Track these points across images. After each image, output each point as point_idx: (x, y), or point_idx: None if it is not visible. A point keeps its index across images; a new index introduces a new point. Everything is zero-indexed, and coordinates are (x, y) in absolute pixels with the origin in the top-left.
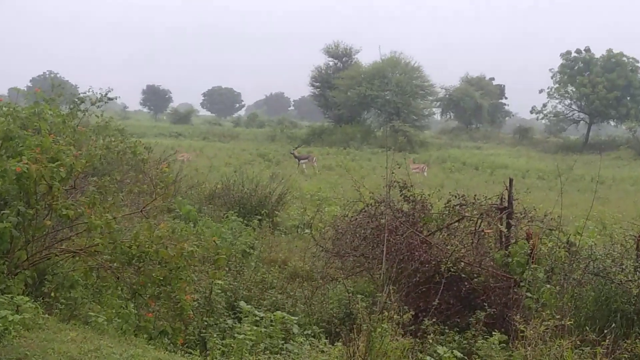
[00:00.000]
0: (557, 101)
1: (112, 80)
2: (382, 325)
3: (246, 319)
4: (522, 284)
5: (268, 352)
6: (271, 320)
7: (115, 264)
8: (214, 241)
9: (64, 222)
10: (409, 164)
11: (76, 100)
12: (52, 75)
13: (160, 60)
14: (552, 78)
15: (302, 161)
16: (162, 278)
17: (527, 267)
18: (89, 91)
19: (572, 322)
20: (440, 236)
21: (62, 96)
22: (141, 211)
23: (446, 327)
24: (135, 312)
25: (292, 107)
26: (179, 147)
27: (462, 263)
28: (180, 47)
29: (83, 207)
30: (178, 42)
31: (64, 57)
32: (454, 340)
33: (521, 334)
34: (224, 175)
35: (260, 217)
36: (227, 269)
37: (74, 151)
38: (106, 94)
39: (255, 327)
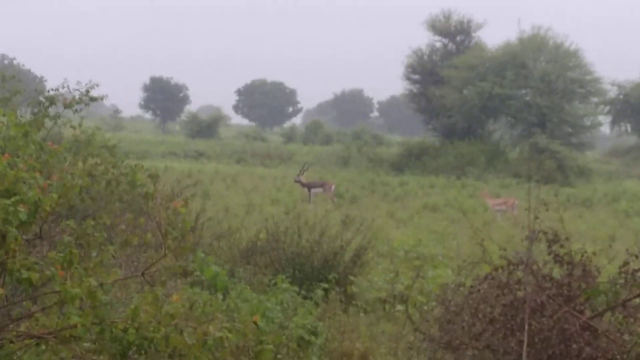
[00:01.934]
0: None
1: (97, 71)
2: None
3: None
4: None
5: None
6: None
7: (102, 357)
8: (255, 323)
9: (24, 290)
10: (484, 197)
11: (43, 100)
12: (6, 61)
13: (171, 44)
14: None
15: (313, 190)
16: None
17: None
18: (62, 87)
19: None
20: (613, 319)
21: (21, 94)
22: (142, 275)
23: None
24: None
25: (375, 113)
26: (199, 174)
27: None
28: (201, 27)
29: (53, 268)
30: (197, 21)
31: (23, 37)
32: None
33: None
34: (270, 219)
35: (326, 286)
36: None
37: (40, 180)
38: (88, 92)
39: None
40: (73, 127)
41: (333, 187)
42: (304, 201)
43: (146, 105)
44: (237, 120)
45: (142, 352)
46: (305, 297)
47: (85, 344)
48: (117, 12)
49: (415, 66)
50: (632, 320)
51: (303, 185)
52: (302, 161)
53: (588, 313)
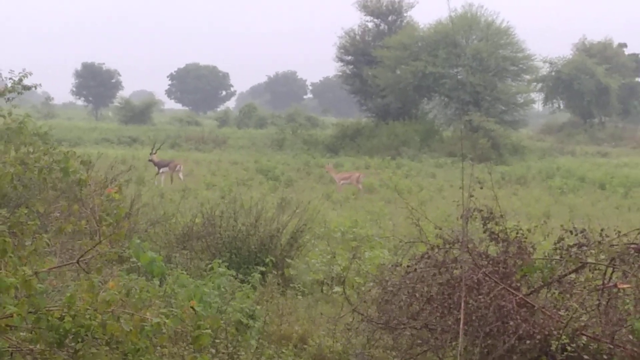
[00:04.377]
0: None
1: (27, 58)
2: None
3: None
4: None
5: None
6: None
7: (39, 346)
8: (192, 308)
9: None
10: (329, 171)
11: None
12: None
13: (102, 29)
14: None
15: (162, 169)
16: None
17: None
18: None
19: None
20: (549, 295)
21: None
22: (78, 262)
23: None
24: None
25: (309, 95)
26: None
27: (584, 337)
28: (133, 10)
29: None
30: (127, 5)
31: None
32: None
33: None
34: (206, 203)
35: (263, 269)
36: (213, 351)
37: None
38: (21, 80)
39: None
40: (2, 115)
41: (179, 166)
42: (240, 184)
43: (78, 91)
44: (171, 105)
45: (79, 340)
46: (242, 281)
47: (21, 334)
48: None
49: (347, 47)
50: (568, 295)
51: (155, 164)
52: (239, 146)
53: (524, 290)
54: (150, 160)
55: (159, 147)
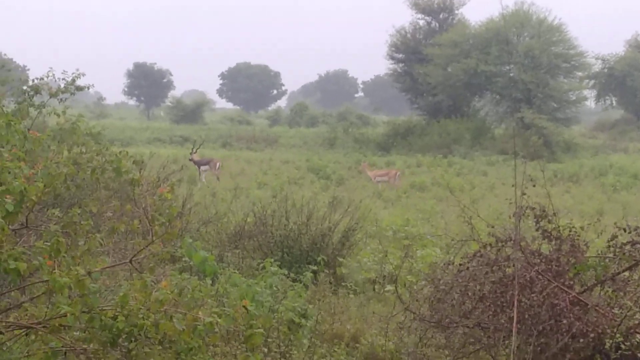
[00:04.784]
0: None
1: (80, 59)
2: None
3: None
4: None
5: None
6: None
7: (92, 345)
8: (245, 307)
9: (12, 280)
10: (364, 168)
11: (27, 89)
12: None
13: (154, 30)
14: None
15: (202, 168)
16: None
17: None
18: (46, 76)
19: None
20: (603, 293)
21: (7, 83)
22: (130, 261)
23: None
24: None
25: (360, 94)
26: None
27: (639, 335)
28: (184, 12)
29: (41, 257)
30: (180, 6)
31: (6, 26)
32: None
33: None
34: (257, 202)
35: (315, 268)
36: (265, 350)
37: (25, 170)
38: (74, 81)
39: None
40: (57, 114)
41: (218, 164)
42: (291, 183)
43: (130, 91)
44: (222, 104)
45: (132, 339)
46: (294, 280)
47: (74, 333)
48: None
49: (399, 45)
50: (621, 293)
51: (195, 163)
52: (291, 145)
53: (577, 288)
54: (190, 160)
55: (198, 147)
